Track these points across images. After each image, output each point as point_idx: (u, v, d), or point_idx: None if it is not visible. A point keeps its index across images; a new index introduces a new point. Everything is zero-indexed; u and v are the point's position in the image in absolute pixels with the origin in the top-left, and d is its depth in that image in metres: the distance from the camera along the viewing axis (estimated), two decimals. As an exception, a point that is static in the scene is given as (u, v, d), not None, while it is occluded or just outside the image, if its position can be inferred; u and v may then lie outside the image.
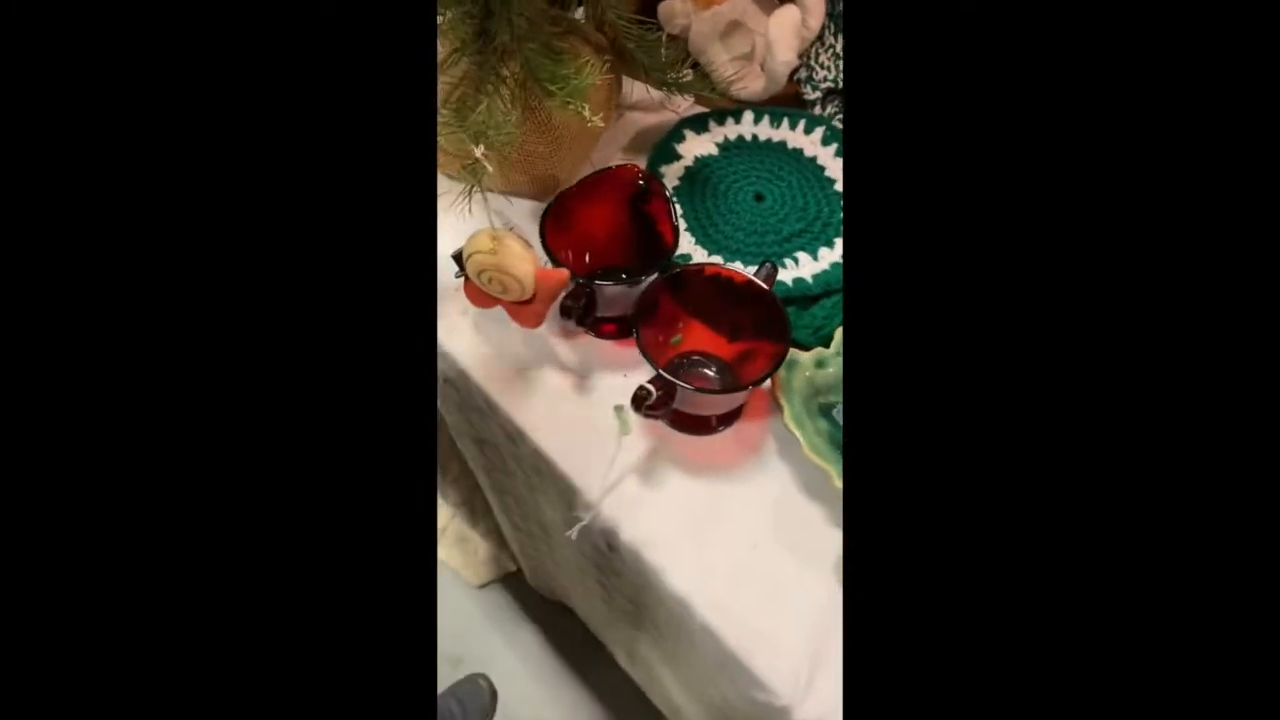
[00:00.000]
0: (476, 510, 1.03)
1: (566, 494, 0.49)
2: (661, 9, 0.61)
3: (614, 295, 0.48)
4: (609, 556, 0.52)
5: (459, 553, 1.18)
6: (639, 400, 0.41)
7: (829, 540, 0.44)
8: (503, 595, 1.15)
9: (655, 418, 0.44)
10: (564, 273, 0.44)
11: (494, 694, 0.99)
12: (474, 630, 1.12)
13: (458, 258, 0.46)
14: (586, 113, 0.41)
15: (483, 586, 1.15)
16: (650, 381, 0.42)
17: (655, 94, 0.64)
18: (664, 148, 0.58)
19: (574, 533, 0.46)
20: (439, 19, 0.45)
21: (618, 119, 0.63)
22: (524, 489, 0.66)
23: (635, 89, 0.63)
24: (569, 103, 0.41)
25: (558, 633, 1.10)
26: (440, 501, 1.08)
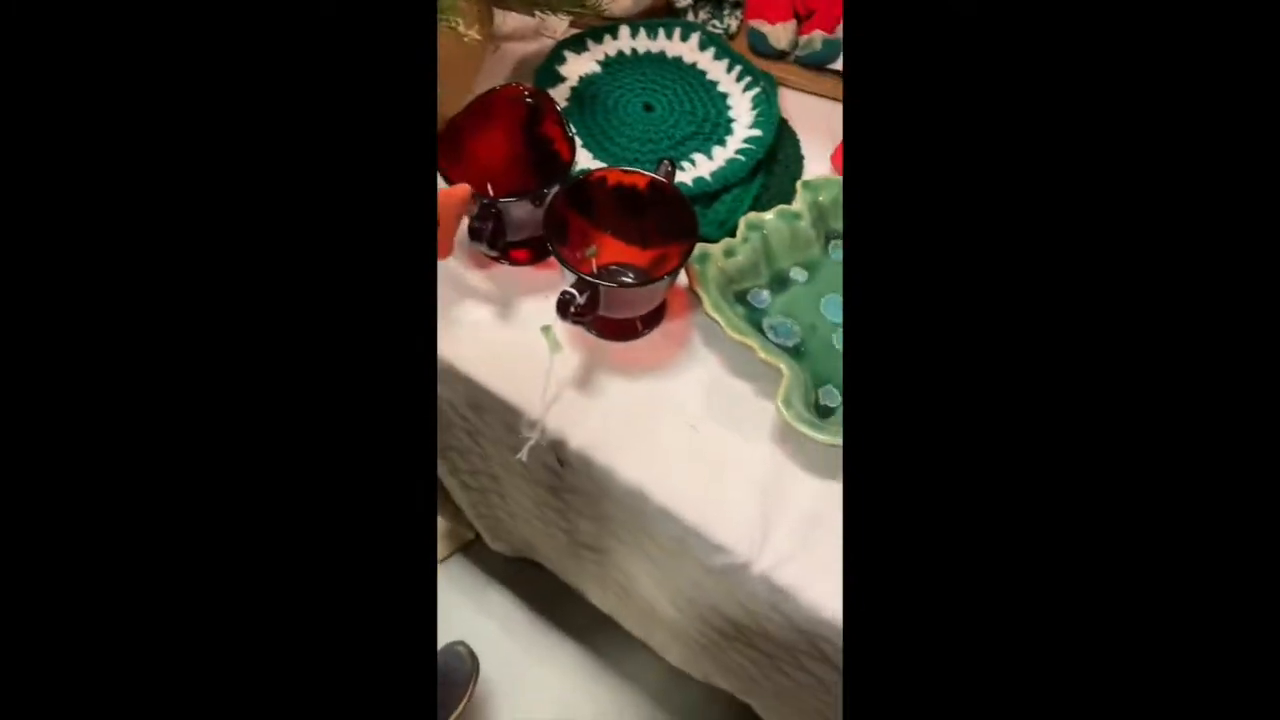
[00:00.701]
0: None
1: (509, 419, 0.50)
2: (521, -70, 0.60)
3: (521, 216, 0.48)
4: (560, 475, 0.53)
5: (412, 532, 1.17)
6: (564, 305, 0.42)
7: (763, 411, 0.46)
8: (465, 565, 1.15)
9: (582, 323, 0.45)
10: (464, 188, 0.43)
11: (474, 659, 1.00)
12: (443, 605, 1.12)
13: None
14: (461, 27, 0.41)
15: (444, 560, 1.15)
16: (573, 286, 0.43)
17: (529, 22, 0.63)
18: (546, 71, 0.58)
19: (524, 453, 0.47)
20: None
21: (494, 51, 0.62)
22: (465, 438, 0.66)
23: (509, 20, 0.62)
24: (447, 19, 0.41)
25: (526, 588, 1.12)
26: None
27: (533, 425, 0.47)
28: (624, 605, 0.85)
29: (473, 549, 1.14)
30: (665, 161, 0.48)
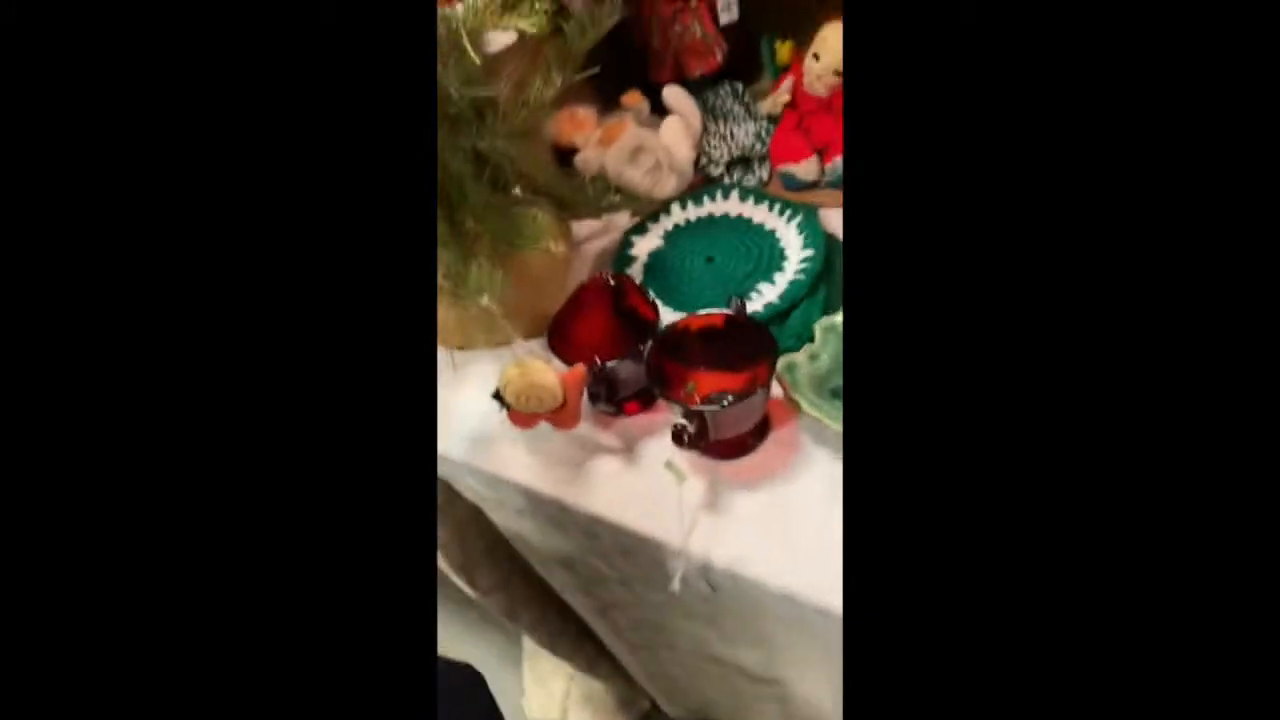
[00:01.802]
0: (591, 656, 1.04)
1: (656, 555, 0.54)
2: (577, 160, 0.75)
3: (627, 375, 0.56)
4: (715, 601, 0.56)
5: (590, 712, 1.16)
6: (678, 436, 0.48)
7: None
8: (648, 737, 1.12)
9: (698, 449, 0.50)
10: (581, 368, 0.52)
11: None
12: (634, 783, 1.08)
13: (497, 395, 0.55)
14: (551, 246, 0.52)
15: (626, 736, 1.12)
16: (682, 417, 0.49)
17: (598, 224, 0.76)
18: (621, 257, 0.69)
19: (675, 582, 0.51)
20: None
21: (576, 253, 0.75)
22: (620, 589, 0.70)
23: (582, 227, 0.76)
24: (535, 247, 0.52)
25: (715, 752, 1.06)
26: (556, 663, 1.08)
27: (677, 554, 0.51)
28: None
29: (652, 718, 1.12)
30: (735, 298, 0.56)
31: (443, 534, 0.79)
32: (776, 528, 0.50)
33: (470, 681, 0.56)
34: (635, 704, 1.15)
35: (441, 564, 0.84)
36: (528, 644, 1.22)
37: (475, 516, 0.82)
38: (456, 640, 1.28)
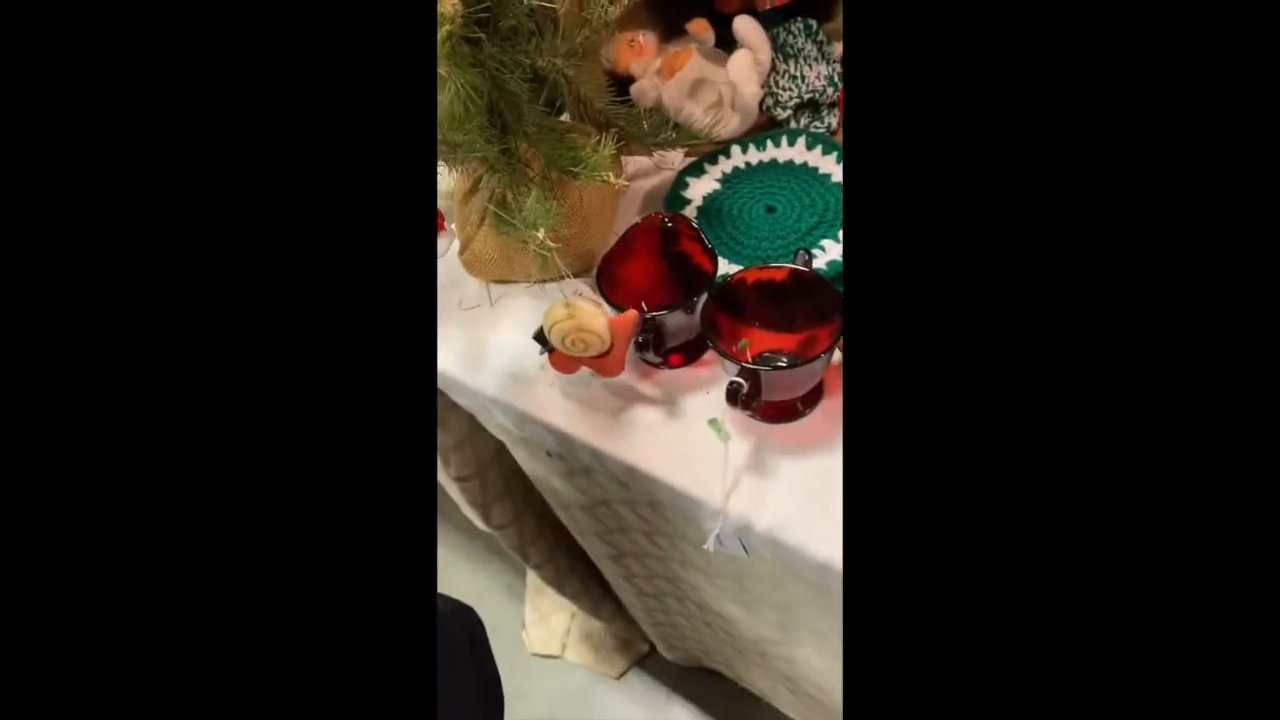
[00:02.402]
0: (596, 597, 1.05)
1: (689, 512, 0.52)
2: (633, 90, 0.70)
3: (675, 326, 0.53)
4: (742, 562, 0.55)
5: (589, 649, 1.19)
6: (734, 394, 0.46)
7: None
8: (643, 679, 1.14)
9: (750, 411, 0.48)
10: (633, 313, 0.49)
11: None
12: (627, 720, 1.11)
13: (539, 336, 0.52)
14: (611, 178, 0.48)
15: (621, 676, 1.15)
16: (739, 375, 0.46)
17: (649, 161, 0.72)
18: (673, 198, 0.65)
19: (711, 542, 0.50)
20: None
21: (625, 192, 0.71)
22: (643, 540, 0.70)
23: (630, 163, 0.72)
24: (594, 176, 0.49)
25: (708, 697, 1.08)
26: (560, 600, 1.10)
27: (716, 514, 0.49)
28: (819, 713, 0.81)
29: (649, 662, 1.14)
30: (802, 251, 0.53)
31: (462, 469, 0.78)
32: (821, 500, 0.48)
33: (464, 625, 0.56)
34: (634, 645, 1.17)
35: (456, 497, 0.83)
36: (532, 579, 1.24)
37: (497, 453, 0.80)
38: (462, 570, 1.30)
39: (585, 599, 1.04)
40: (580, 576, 1.02)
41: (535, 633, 1.22)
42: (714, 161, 0.67)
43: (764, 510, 0.49)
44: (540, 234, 0.44)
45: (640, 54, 0.72)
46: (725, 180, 0.66)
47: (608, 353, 0.51)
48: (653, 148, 0.64)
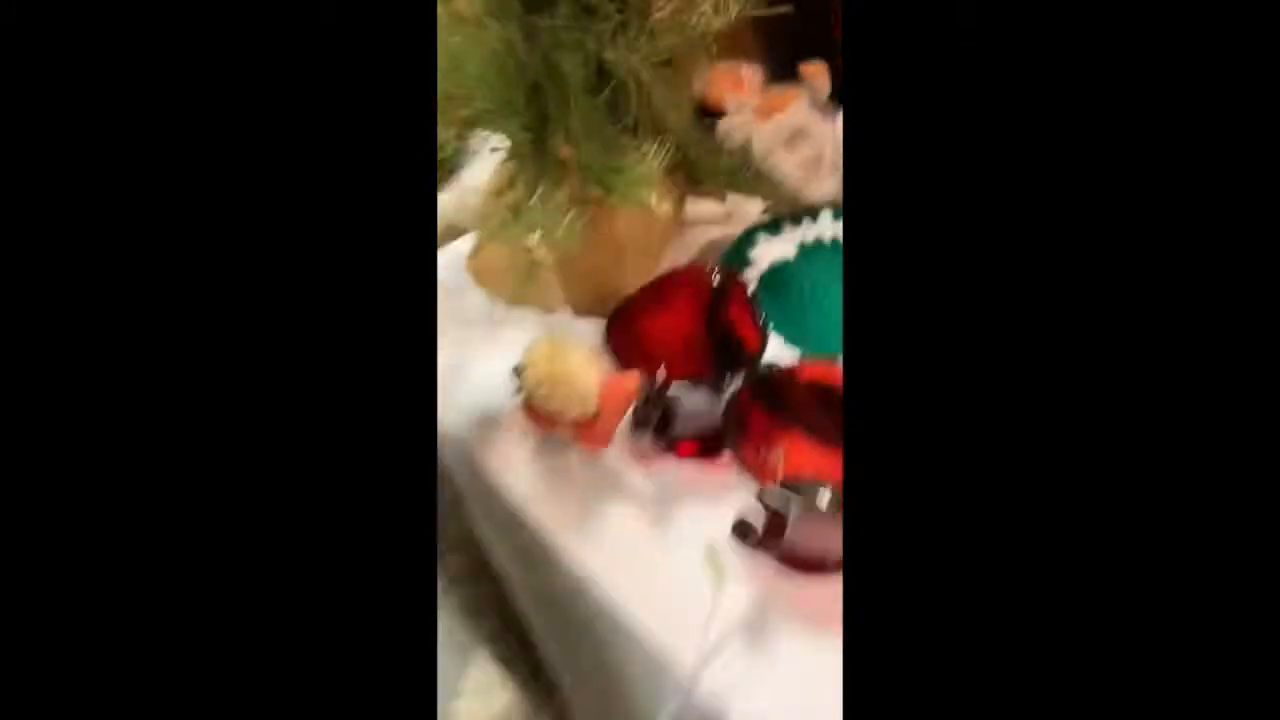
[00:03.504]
0: (539, 700, 0.89)
1: (650, 670, 0.38)
2: (721, 125, 0.60)
3: (695, 406, 0.40)
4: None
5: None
6: (743, 532, 0.32)
7: None
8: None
9: (764, 549, 0.34)
10: (634, 377, 0.37)
11: None
12: None
13: (518, 370, 0.40)
14: (652, 200, 0.37)
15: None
16: (759, 499, 0.33)
17: (719, 209, 0.61)
18: (736, 253, 0.53)
19: (663, 721, 0.35)
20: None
21: (680, 236, 0.59)
22: (596, 676, 0.55)
23: (698, 206, 0.61)
24: (631, 193, 0.37)
25: None
26: (499, 680, 0.94)
27: (679, 688, 0.35)
28: None
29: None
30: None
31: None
32: (827, 701, 0.33)
33: None
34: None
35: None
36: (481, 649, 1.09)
37: (460, 500, 0.68)
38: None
39: (529, 697, 0.88)
40: (529, 672, 0.86)
41: (466, 705, 1.06)
42: (796, 224, 0.55)
43: (746, 700, 0.34)
44: (535, 237, 0.32)
45: (739, 88, 0.62)
46: (805, 250, 0.54)
47: (592, 419, 0.38)
48: (725, 189, 0.52)
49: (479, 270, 0.54)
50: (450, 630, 1.17)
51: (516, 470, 0.45)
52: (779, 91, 0.61)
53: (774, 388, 0.39)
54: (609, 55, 0.44)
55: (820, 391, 0.39)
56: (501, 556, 0.56)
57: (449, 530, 0.71)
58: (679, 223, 0.58)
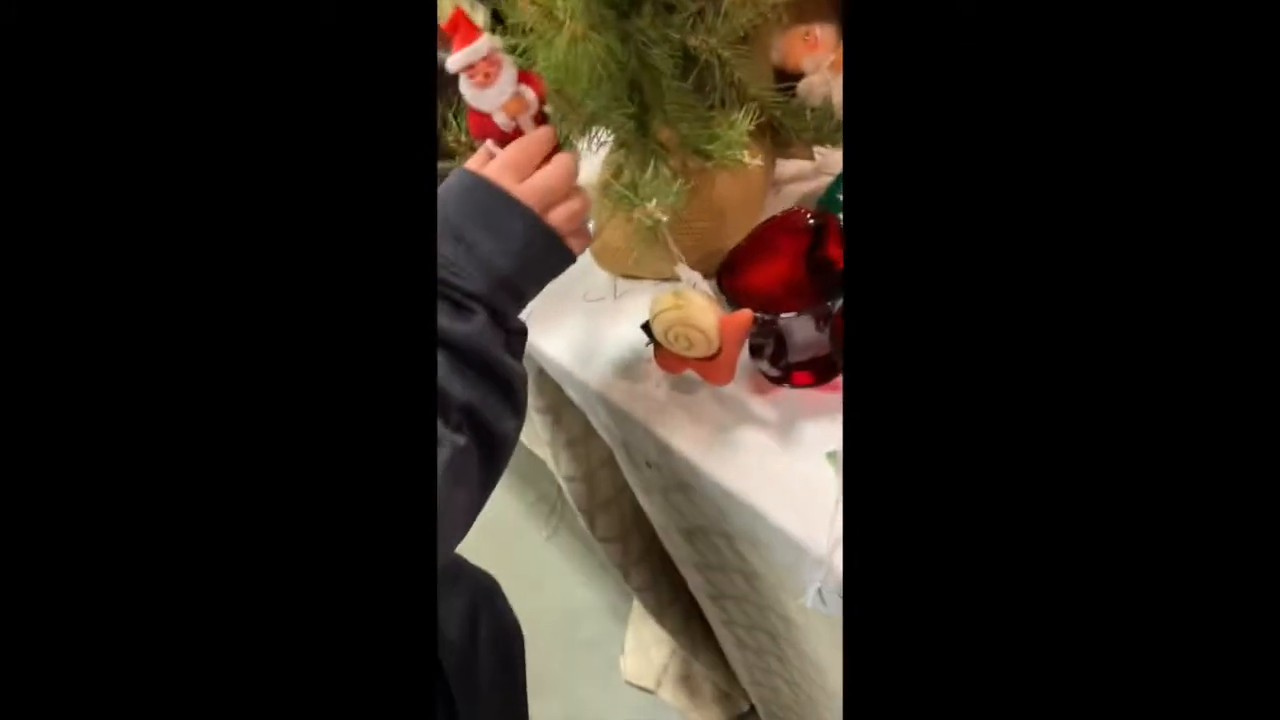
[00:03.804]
0: (696, 639, 0.97)
1: (790, 558, 0.44)
2: (801, 86, 0.64)
3: (805, 338, 0.46)
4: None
5: (684, 692, 1.10)
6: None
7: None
8: (739, 742, 1.03)
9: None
10: (747, 313, 0.43)
11: None
12: (713, 783, 1.01)
13: (646, 327, 0.47)
14: (746, 157, 0.43)
15: (715, 732, 1.05)
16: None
17: (810, 166, 0.65)
18: (828, 199, 0.58)
19: (810, 595, 0.41)
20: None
21: (775, 194, 0.64)
22: (742, 582, 0.61)
23: (791, 166, 0.65)
24: (728, 156, 0.43)
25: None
26: (660, 633, 1.03)
27: (818, 564, 0.41)
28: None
29: (748, 723, 1.03)
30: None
31: (571, 468, 0.76)
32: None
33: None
34: (734, 701, 1.06)
35: (571, 501, 0.81)
36: (637, 605, 1.18)
37: (610, 460, 0.77)
38: (569, 580, 1.28)
39: (684, 637, 0.96)
40: (682, 613, 0.94)
41: (633, 660, 1.16)
42: (882, 165, 0.59)
43: (878, 571, 0.39)
44: (651, 204, 0.40)
45: (814, 49, 0.66)
46: (893, 186, 0.57)
47: (716, 355, 0.45)
48: (811, 143, 0.57)
49: (600, 253, 0.62)
50: (605, 589, 1.28)
51: (658, 411, 0.52)
52: (853, 44, 0.64)
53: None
54: (692, 42, 0.50)
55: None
56: (650, 495, 0.64)
57: (602, 489, 0.80)
58: (773, 183, 0.63)
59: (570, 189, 0.42)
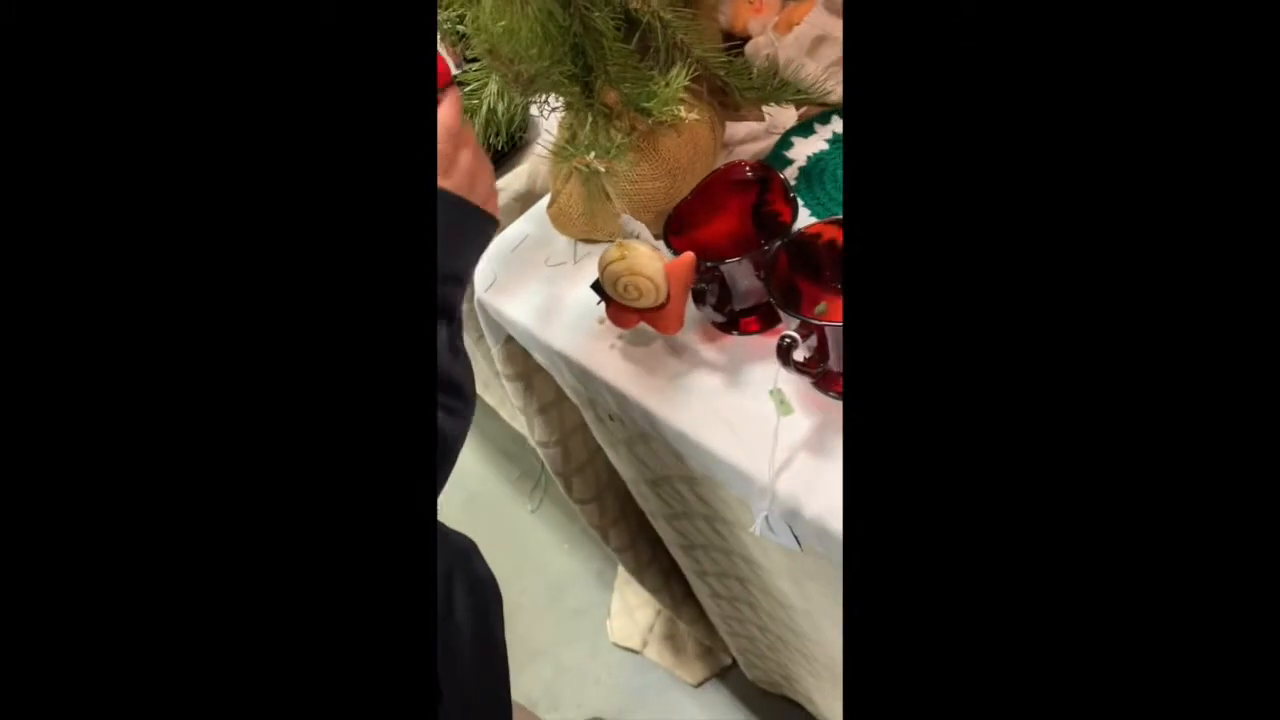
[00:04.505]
0: (677, 596, 1.00)
1: (743, 492, 0.47)
2: (748, 47, 0.66)
3: (748, 284, 0.48)
4: (800, 560, 0.48)
5: (669, 651, 1.14)
6: (785, 352, 0.40)
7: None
8: (721, 692, 1.07)
9: (810, 375, 0.42)
10: (690, 255, 0.45)
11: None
12: (699, 733, 1.04)
13: (596, 286, 0.49)
14: (682, 111, 0.45)
15: (699, 685, 1.09)
16: (795, 330, 0.40)
17: (758, 127, 0.67)
18: (775, 156, 0.60)
19: (758, 526, 0.44)
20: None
21: (727, 155, 0.66)
22: (708, 529, 0.64)
23: (741, 129, 0.67)
24: (666, 111, 0.45)
25: (788, 727, 0.99)
26: (644, 596, 1.06)
27: (764, 492, 0.44)
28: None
29: (730, 677, 1.07)
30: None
31: (545, 434, 0.78)
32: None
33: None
34: (716, 656, 1.10)
35: (548, 466, 0.83)
36: (622, 570, 1.21)
37: (582, 425, 0.79)
38: (557, 551, 1.31)
39: (665, 595, 0.99)
40: (661, 571, 0.97)
41: (619, 623, 1.19)
42: (825, 122, 0.61)
43: (816, 494, 0.42)
44: (590, 156, 0.42)
45: (760, 11, 0.68)
46: (835, 141, 0.59)
47: (665, 304, 0.47)
48: (755, 102, 0.59)
49: (557, 217, 0.64)
50: (590, 556, 1.31)
51: (614, 365, 0.54)
52: (796, 4, 0.66)
53: (808, 253, 0.46)
54: (633, 4, 0.52)
55: (838, 249, 0.46)
56: (616, 449, 0.66)
57: (578, 453, 0.82)
58: (725, 144, 0.65)
59: (456, 141, 0.38)
